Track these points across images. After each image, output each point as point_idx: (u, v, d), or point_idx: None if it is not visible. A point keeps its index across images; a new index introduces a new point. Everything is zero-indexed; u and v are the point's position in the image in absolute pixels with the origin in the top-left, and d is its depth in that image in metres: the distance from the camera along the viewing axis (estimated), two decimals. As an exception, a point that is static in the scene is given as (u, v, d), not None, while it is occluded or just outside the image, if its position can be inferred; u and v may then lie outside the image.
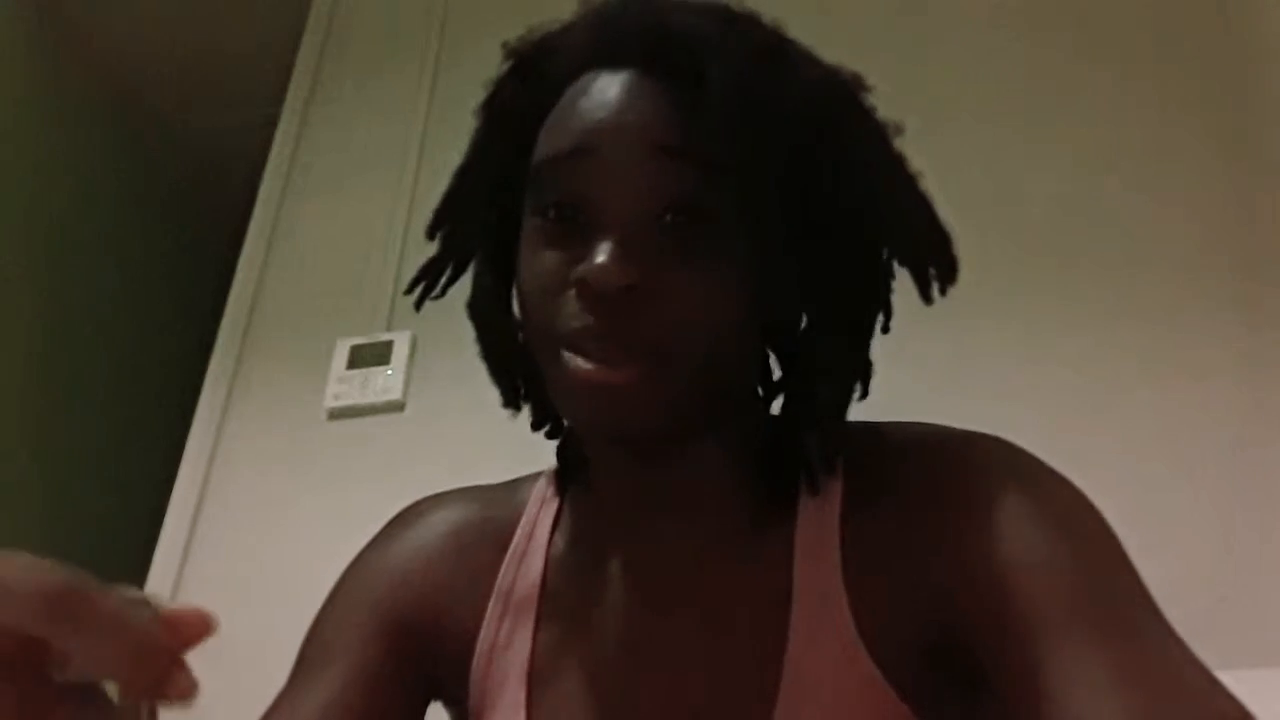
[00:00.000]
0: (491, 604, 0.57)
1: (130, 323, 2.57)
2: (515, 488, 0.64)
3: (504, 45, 0.58)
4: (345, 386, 1.57)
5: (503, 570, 0.58)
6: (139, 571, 1.51)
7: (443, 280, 0.60)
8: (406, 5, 2.07)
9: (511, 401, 0.60)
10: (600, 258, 0.47)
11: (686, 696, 0.52)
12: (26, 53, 2.32)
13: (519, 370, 0.59)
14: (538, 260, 0.51)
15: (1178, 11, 1.53)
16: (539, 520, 0.60)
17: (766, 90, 0.49)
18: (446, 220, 0.60)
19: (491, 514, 0.62)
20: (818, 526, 0.53)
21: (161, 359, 2.56)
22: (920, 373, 1.22)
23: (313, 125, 1.97)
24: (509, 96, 0.57)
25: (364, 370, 1.58)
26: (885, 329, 0.56)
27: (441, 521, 0.62)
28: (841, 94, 0.53)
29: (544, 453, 0.71)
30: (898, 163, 0.54)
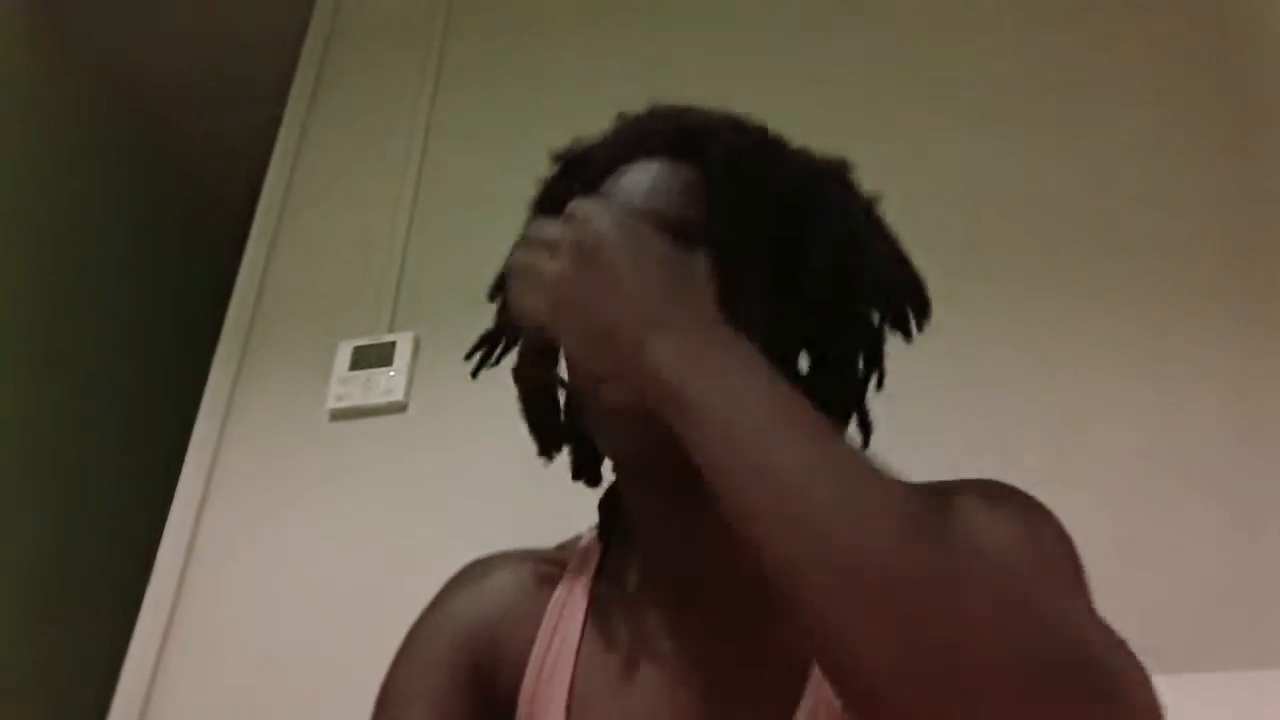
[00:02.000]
0: (539, 638, 0.63)
1: (133, 323, 2.58)
2: (564, 546, 0.72)
3: (551, 153, 0.71)
4: (348, 387, 1.58)
5: (549, 609, 0.65)
6: (142, 573, 1.51)
7: (498, 350, 0.71)
8: (409, 8, 2.08)
9: (548, 451, 0.68)
10: None
11: (716, 707, 0.57)
12: (28, 53, 2.33)
13: (561, 424, 0.67)
14: None
15: (1180, 12, 1.53)
16: (583, 567, 0.67)
17: (756, 169, 0.63)
18: (502, 294, 0.69)
19: (542, 565, 0.69)
20: None
21: (164, 360, 2.57)
22: (916, 366, 1.22)
23: (315, 126, 1.98)
24: (559, 192, 0.67)
25: (366, 371, 1.58)
26: (879, 385, 0.67)
27: (500, 576, 0.68)
28: (825, 172, 0.66)
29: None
30: (876, 225, 0.66)
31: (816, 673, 0.55)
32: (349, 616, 1.37)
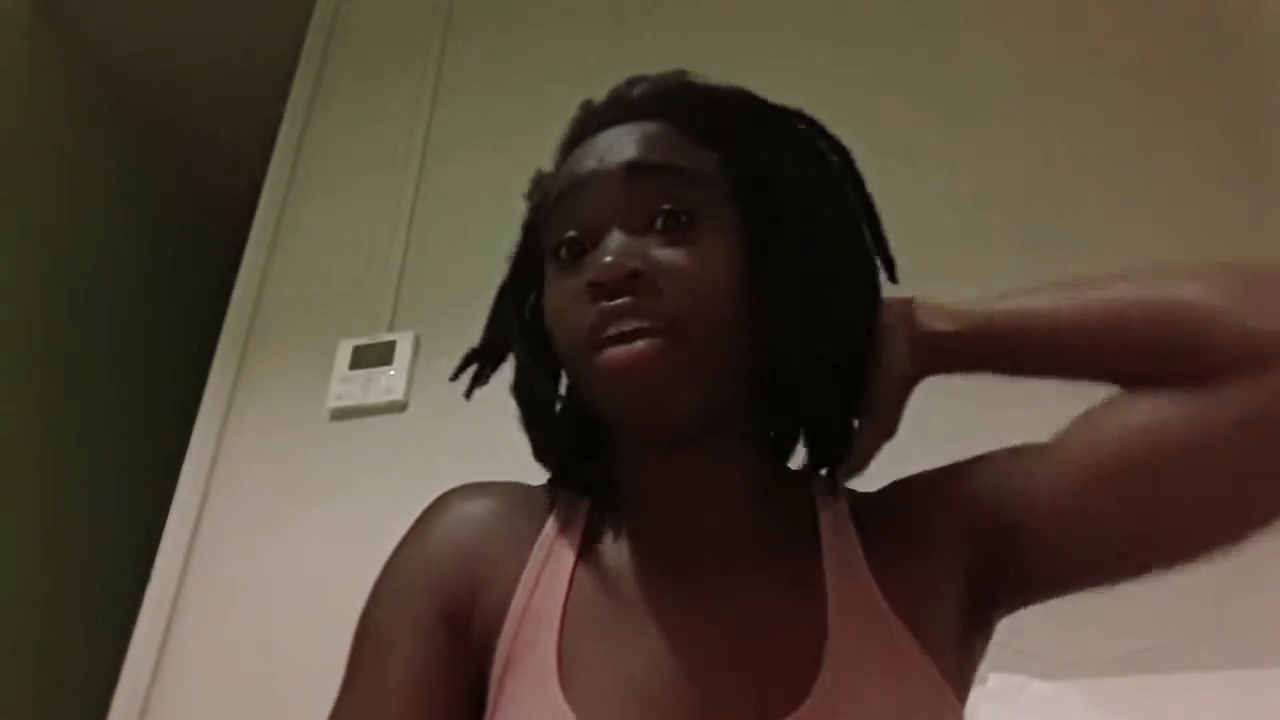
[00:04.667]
0: (526, 572, 0.60)
1: (133, 324, 2.58)
2: (549, 488, 0.67)
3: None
4: (348, 387, 1.58)
5: (538, 543, 0.61)
6: (142, 572, 1.51)
7: (489, 368, 0.69)
8: (409, 7, 2.08)
9: (553, 461, 0.65)
10: (605, 257, 0.55)
11: (721, 663, 0.55)
12: (27, 55, 2.33)
13: (564, 429, 0.64)
14: (557, 289, 0.59)
15: (1178, 20, 1.53)
16: (575, 507, 0.64)
17: (717, 117, 0.61)
18: (495, 321, 0.69)
19: (529, 497, 0.65)
20: (835, 526, 0.60)
21: (164, 359, 2.57)
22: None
23: (315, 126, 1.98)
24: (533, 212, 0.67)
25: (366, 370, 1.58)
26: (892, 278, 0.64)
27: (479, 505, 0.64)
28: (784, 121, 0.64)
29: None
30: (834, 181, 0.64)
31: (833, 624, 0.55)
32: (349, 615, 1.36)
